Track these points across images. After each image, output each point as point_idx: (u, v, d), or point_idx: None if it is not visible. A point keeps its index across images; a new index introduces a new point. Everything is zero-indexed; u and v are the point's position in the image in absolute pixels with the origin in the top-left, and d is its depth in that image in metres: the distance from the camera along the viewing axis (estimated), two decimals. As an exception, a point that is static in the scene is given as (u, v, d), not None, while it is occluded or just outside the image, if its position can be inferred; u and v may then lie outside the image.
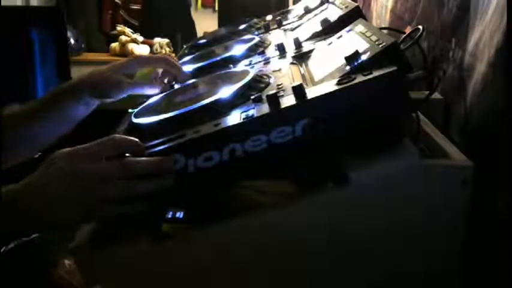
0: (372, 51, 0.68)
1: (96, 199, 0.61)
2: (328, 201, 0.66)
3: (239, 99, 0.72)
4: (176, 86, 0.94)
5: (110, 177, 0.61)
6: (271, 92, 0.64)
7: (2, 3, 2.34)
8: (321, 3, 1.32)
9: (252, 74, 0.79)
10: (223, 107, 0.70)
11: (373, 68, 0.64)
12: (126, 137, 0.66)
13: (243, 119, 0.64)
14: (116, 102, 0.96)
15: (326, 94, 0.62)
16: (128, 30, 3.32)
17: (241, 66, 0.96)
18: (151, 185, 0.62)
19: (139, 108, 0.83)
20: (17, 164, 0.92)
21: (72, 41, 3.12)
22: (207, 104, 0.71)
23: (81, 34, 3.45)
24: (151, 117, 0.74)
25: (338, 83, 0.63)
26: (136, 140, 0.65)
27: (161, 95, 0.89)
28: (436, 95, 0.94)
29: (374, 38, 0.72)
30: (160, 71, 1.01)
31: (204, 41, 1.43)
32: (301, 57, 0.90)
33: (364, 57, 0.68)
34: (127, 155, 0.64)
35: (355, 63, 0.67)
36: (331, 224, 0.66)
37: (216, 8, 4.09)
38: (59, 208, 0.62)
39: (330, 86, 0.63)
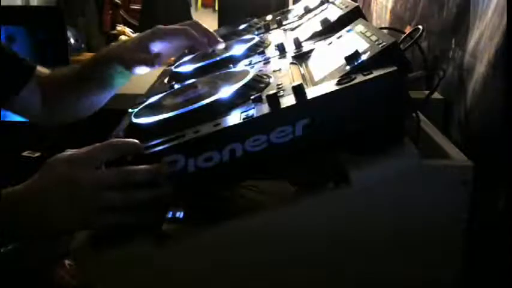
0: (371, 51, 0.68)
1: (94, 207, 0.61)
2: (328, 201, 0.66)
3: (239, 99, 0.72)
4: (176, 86, 0.94)
5: (108, 186, 0.61)
6: (271, 92, 0.64)
7: (2, 3, 2.34)
8: (321, 3, 1.31)
9: (252, 74, 0.79)
10: (223, 107, 0.70)
11: (373, 68, 0.64)
12: (125, 140, 0.66)
13: (243, 119, 0.64)
14: (115, 102, 0.97)
15: (326, 94, 0.62)
16: (127, 30, 3.31)
17: (241, 66, 0.96)
18: (150, 193, 0.62)
19: (139, 108, 0.83)
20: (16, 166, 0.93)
21: (72, 41, 3.11)
22: (207, 104, 0.71)
23: (81, 34, 3.44)
24: (151, 117, 0.74)
25: (338, 83, 0.63)
26: (135, 141, 0.65)
27: (161, 95, 0.89)
28: (436, 95, 0.94)
29: (374, 38, 0.72)
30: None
31: (204, 41, 1.43)
32: (301, 57, 0.90)
33: (364, 57, 0.68)
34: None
35: (355, 63, 0.67)
36: (331, 224, 0.66)
37: (216, 8, 4.09)
38: (57, 214, 0.62)
39: (330, 86, 0.63)
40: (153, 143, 0.65)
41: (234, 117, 0.65)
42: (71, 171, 0.61)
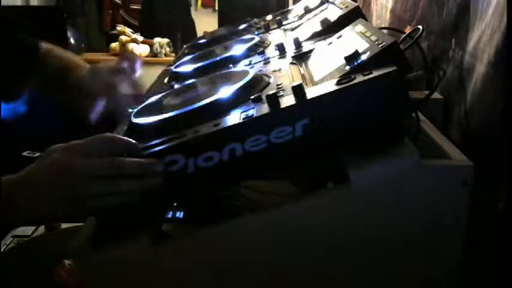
0: (371, 51, 0.68)
1: (80, 194, 0.63)
2: (328, 201, 0.66)
3: (239, 99, 0.72)
4: (176, 86, 0.94)
5: (99, 175, 0.62)
6: (270, 92, 0.64)
7: (2, 3, 2.34)
8: (321, 3, 1.32)
9: (251, 74, 0.79)
10: (223, 107, 0.70)
11: (372, 68, 0.64)
12: (121, 137, 0.67)
13: (243, 119, 0.63)
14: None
15: (326, 94, 0.62)
16: (128, 30, 3.32)
17: (241, 66, 0.96)
18: (138, 184, 0.63)
19: (139, 108, 0.83)
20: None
21: (72, 41, 3.12)
22: (207, 104, 0.71)
23: (81, 34, 3.45)
24: (151, 117, 0.74)
25: (338, 83, 0.63)
26: (130, 140, 0.66)
27: (161, 94, 0.89)
28: (436, 95, 0.94)
29: (374, 38, 0.72)
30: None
31: (204, 41, 1.44)
32: (301, 57, 0.90)
33: (363, 57, 0.68)
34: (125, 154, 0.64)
35: (355, 63, 0.67)
36: (331, 224, 0.66)
37: (216, 8, 4.09)
38: (46, 197, 0.63)
39: (330, 86, 0.63)
40: (153, 143, 0.66)
41: (234, 117, 0.65)
42: (64, 158, 0.63)
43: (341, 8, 1.10)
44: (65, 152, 0.64)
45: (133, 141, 0.66)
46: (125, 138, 0.67)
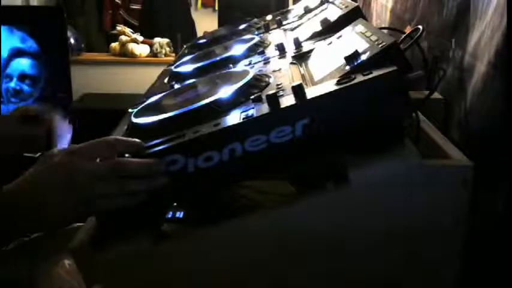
0: (371, 51, 0.68)
1: (88, 196, 0.62)
2: (328, 201, 0.66)
3: (239, 99, 0.72)
4: (176, 86, 0.94)
5: (100, 176, 0.62)
6: (270, 92, 0.64)
7: (2, 3, 2.34)
8: (321, 3, 1.31)
9: (251, 74, 0.79)
10: (223, 107, 0.70)
11: (372, 68, 0.64)
12: (125, 138, 0.67)
13: (243, 119, 0.64)
14: (115, 102, 0.96)
15: (326, 94, 0.62)
16: (128, 30, 3.31)
17: (241, 66, 0.96)
18: (143, 184, 0.63)
19: (139, 108, 0.83)
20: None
21: (72, 41, 3.11)
22: (207, 104, 0.71)
23: (81, 34, 3.45)
24: (151, 117, 0.74)
25: (338, 83, 0.63)
26: (135, 140, 0.66)
27: (161, 94, 0.89)
28: (436, 95, 0.94)
29: (374, 38, 0.72)
30: None
31: (204, 41, 1.43)
32: (301, 57, 0.90)
33: (363, 57, 0.68)
34: (126, 155, 0.64)
35: (355, 63, 0.67)
36: (331, 224, 0.66)
37: (216, 8, 4.09)
38: (51, 201, 0.63)
39: (330, 86, 0.63)
40: (153, 143, 0.66)
41: (234, 117, 0.65)
42: (68, 160, 0.63)
43: (341, 8, 1.10)
44: (67, 155, 0.64)
45: (138, 140, 0.66)
46: (129, 138, 0.66)
